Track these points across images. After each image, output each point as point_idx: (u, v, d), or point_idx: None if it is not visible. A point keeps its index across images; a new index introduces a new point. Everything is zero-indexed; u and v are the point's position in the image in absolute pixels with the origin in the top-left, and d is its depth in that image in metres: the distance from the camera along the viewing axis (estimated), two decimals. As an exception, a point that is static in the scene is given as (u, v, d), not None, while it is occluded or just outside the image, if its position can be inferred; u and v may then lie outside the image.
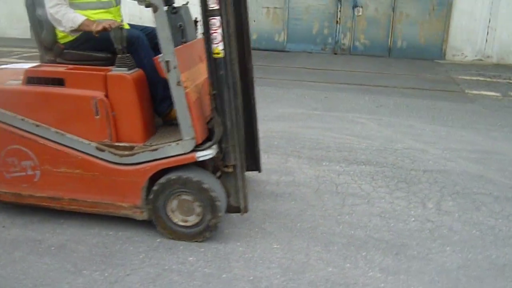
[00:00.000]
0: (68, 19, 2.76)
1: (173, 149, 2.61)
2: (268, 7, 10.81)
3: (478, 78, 8.34)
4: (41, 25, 2.92)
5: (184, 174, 2.64)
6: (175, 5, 2.99)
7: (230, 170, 2.73)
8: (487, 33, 9.71)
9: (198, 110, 2.64)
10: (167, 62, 2.48)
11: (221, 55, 2.49)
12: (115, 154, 2.68)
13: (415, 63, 9.60)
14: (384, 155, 4.28)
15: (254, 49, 2.99)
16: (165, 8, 2.85)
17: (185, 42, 2.99)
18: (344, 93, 6.76)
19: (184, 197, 2.70)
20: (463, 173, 3.89)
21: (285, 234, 2.90)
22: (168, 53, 2.47)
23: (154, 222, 2.79)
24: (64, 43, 2.91)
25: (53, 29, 2.88)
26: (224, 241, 2.80)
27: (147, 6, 2.44)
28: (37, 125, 2.75)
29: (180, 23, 2.93)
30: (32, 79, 2.76)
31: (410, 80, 7.94)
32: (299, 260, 2.63)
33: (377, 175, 3.82)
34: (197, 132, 2.58)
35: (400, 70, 8.93)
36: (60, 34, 2.89)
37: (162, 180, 2.66)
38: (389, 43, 10.44)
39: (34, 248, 2.70)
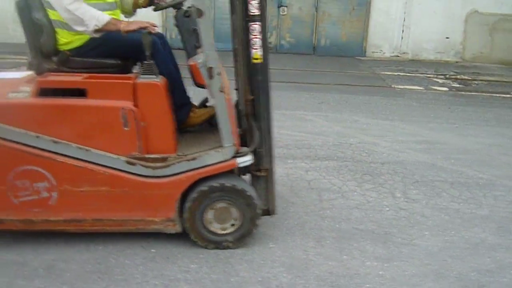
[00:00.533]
0: (91, 17, 2.53)
1: (213, 157, 2.54)
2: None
3: (399, 73, 9.00)
4: (39, 30, 2.63)
5: (227, 182, 2.59)
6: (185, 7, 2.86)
7: (264, 174, 2.74)
8: (402, 31, 10.49)
9: (234, 116, 2.62)
10: (210, 68, 2.42)
11: (260, 60, 2.51)
12: (148, 167, 2.53)
13: (339, 60, 10.11)
14: (342, 149, 4.50)
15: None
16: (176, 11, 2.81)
17: (199, 47, 2.85)
18: (282, 91, 6.90)
19: (222, 204, 2.64)
20: (416, 163, 4.22)
21: (277, 232, 2.96)
22: (211, 59, 2.42)
23: (189, 233, 2.68)
24: (69, 50, 2.66)
25: (53, 34, 2.62)
26: (219, 245, 2.79)
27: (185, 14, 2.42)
28: (55, 142, 2.48)
29: (194, 27, 2.83)
30: (46, 90, 2.48)
31: (339, 77, 8.35)
32: (298, 257, 2.71)
33: (342, 170, 4.01)
34: (236, 138, 2.56)
35: (326, 67, 9.35)
36: (62, 40, 2.63)
37: (203, 188, 2.57)
38: (313, 42, 10.89)
39: (19, 272, 2.48)
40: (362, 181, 3.80)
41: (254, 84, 2.60)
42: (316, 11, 10.64)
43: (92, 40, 2.64)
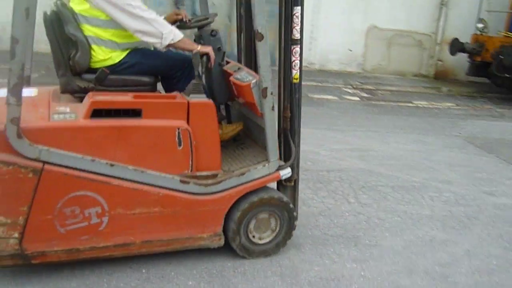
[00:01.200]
0: (170, 31, 2.50)
1: (260, 171, 2.68)
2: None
3: (312, 83, 9.55)
4: (72, 46, 2.51)
5: (274, 194, 2.81)
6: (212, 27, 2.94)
7: (292, 184, 2.95)
8: (310, 42, 11.14)
9: None
10: (265, 88, 2.58)
11: (298, 80, 2.72)
12: (200, 185, 2.54)
13: (254, 71, 10.45)
14: (287, 159, 4.75)
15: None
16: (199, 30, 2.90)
17: (223, 65, 2.94)
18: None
19: (263, 215, 2.80)
20: (356, 169, 4.62)
21: (257, 243, 3.09)
22: (266, 80, 2.57)
23: (232, 244, 2.77)
24: (105, 67, 2.53)
25: (88, 50, 2.48)
26: (206, 259, 2.84)
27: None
28: (112, 165, 2.36)
29: (219, 46, 2.84)
30: (99, 111, 2.34)
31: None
32: (286, 265, 2.86)
33: (295, 179, 4.25)
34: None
35: (245, 77, 9.62)
36: (97, 57, 2.50)
37: (254, 199, 2.71)
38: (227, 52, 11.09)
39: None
40: (316, 189, 4.07)
41: (292, 102, 2.80)
42: (230, 22, 10.87)
43: (129, 57, 2.61)
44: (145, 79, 2.72)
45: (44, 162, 2.24)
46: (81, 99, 2.54)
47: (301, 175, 4.22)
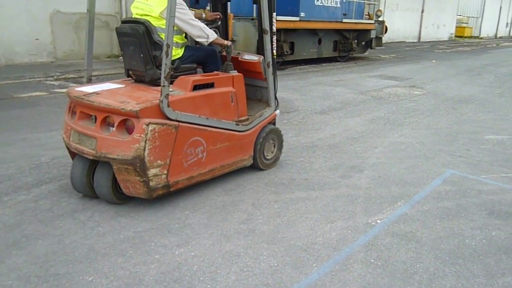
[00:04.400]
0: (211, 32, 3.90)
1: (267, 112, 4.33)
2: None
3: (7, 81, 8.83)
4: (157, 48, 3.74)
5: (274, 127, 4.62)
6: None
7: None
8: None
9: None
10: (268, 62, 4.36)
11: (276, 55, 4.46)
12: (243, 125, 4.06)
13: None
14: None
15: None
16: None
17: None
18: None
19: (270, 141, 4.51)
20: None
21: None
22: (268, 58, 4.33)
23: (256, 161, 4.42)
24: (177, 59, 3.83)
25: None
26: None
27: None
28: (207, 118, 3.74)
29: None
30: (196, 86, 3.74)
31: None
32: (283, 181, 4.74)
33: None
34: None
35: None
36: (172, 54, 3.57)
37: (267, 130, 4.41)
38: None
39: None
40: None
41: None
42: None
43: (186, 51, 3.97)
44: (194, 65, 4.18)
45: (179, 121, 3.61)
46: (155, 85, 3.84)
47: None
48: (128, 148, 3.37)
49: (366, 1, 16.09)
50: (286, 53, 12.60)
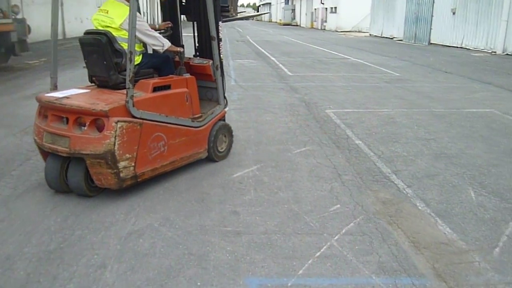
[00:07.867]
0: (166, 41, 4.39)
1: (218, 109, 4.89)
2: None
3: None
4: (118, 55, 4.20)
5: (224, 123, 5.14)
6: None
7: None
8: None
9: None
10: (217, 65, 4.96)
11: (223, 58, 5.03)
12: (198, 121, 4.58)
13: None
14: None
15: None
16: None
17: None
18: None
19: (220, 136, 5.06)
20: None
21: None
22: (216, 61, 4.92)
23: (210, 154, 4.97)
24: (136, 65, 4.25)
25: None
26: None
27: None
28: (166, 116, 4.22)
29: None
30: (155, 88, 4.23)
31: None
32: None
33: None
34: None
35: None
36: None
37: (220, 124, 4.98)
38: None
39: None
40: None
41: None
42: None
43: (143, 58, 4.47)
44: (151, 70, 4.71)
45: (143, 119, 4.12)
46: (118, 89, 4.34)
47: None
48: (99, 144, 3.83)
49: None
50: None
